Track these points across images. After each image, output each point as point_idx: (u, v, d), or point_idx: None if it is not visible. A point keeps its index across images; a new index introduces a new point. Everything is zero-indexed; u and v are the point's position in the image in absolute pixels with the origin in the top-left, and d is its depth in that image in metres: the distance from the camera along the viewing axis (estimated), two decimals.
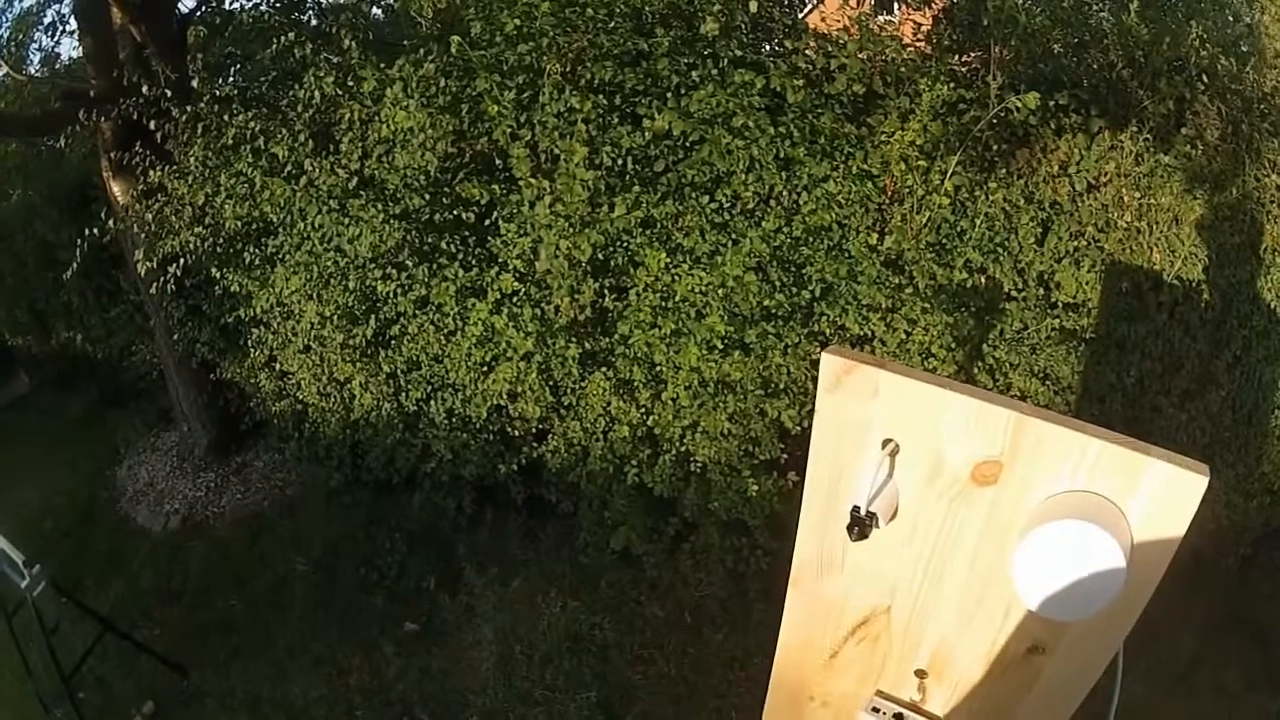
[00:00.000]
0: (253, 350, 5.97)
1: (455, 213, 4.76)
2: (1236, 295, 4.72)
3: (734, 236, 4.53)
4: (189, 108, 5.16)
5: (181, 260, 5.21)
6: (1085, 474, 1.47)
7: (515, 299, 4.76)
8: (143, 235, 5.47)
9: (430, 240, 4.84)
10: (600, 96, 4.46)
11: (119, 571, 6.16)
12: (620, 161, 4.54)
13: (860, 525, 1.57)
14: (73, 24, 6.59)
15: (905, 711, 1.89)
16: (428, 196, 4.75)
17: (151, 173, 5.25)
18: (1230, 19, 5.20)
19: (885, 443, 1.59)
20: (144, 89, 5.22)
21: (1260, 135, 4.64)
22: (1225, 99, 4.61)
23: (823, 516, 1.77)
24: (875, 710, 1.89)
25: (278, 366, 5.96)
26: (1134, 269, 4.70)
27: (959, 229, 4.63)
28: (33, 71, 7.21)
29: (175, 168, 5.27)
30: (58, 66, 7.42)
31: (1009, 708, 1.80)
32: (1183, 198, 4.55)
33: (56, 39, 7.01)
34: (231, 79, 6.58)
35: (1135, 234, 4.66)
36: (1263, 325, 4.78)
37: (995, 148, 4.63)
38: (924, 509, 1.64)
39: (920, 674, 1.85)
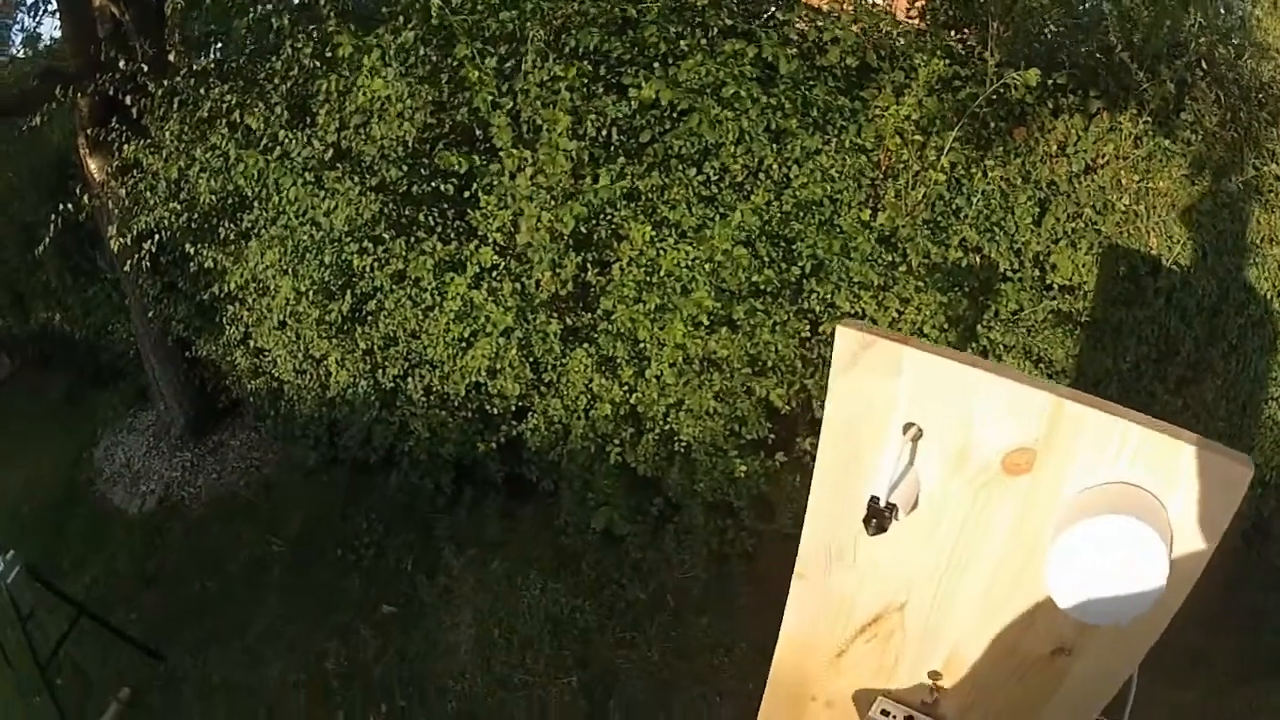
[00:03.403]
0: (228, 327, 5.81)
1: (434, 185, 4.62)
2: (1233, 284, 4.68)
3: (721, 210, 4.41)
4: (165, 82, 5.02)
5: (156, 236, 5.08)
6: (1126, 463, 1.35)
7: (495, 273, 4.63)
8: (117, 211, 5.35)
9: (408, 213, 4.70)
10: (585, 63, 4.33)
11: (96, 554, 6.05)
12: (605, 132, 4.41)
13: (879, 518, 1.43)
14: (55, 4, 6.47)
15: (916, 714, 1.76)
16: (405, 168, 4.61)
17: (126, 147, 5.12)
18: (1222, 11, 5.16)
19: (906, 427, 1.45)
20: (121, 64, 5.06)
21: (1259, 124, 4.61)
22: (1223, 86, 4.57)
23: (833, 505, 1.62)
24: (885, 713, 1.76)
25: (253, 343, 5.79)
26: (1131, 253, 4.64)
27: (954, 206, 4.54)
28: (14, 52, 7.10)
29: (150, 142, 5.13)
30: (40, 47, 7.32)
31: (1027, 713, 1.68)
32: (1181, 183, 4.50)
33: (38, 20, 6.95)
34: (211, 54, 6.46)
35: (1133, 217, 4.60)
36: (1259, 315, 4.75)
37: (992, 125, 4.54)
38: (948, 500, 1.50)
39: (934, 675, 1.73)
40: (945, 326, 4.47)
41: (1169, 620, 1.52)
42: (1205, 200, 4.55)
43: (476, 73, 4.35)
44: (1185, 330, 4.71)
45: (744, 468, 4.66)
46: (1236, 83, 4.64)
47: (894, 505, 1.44)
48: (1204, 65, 4.58)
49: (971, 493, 1.48)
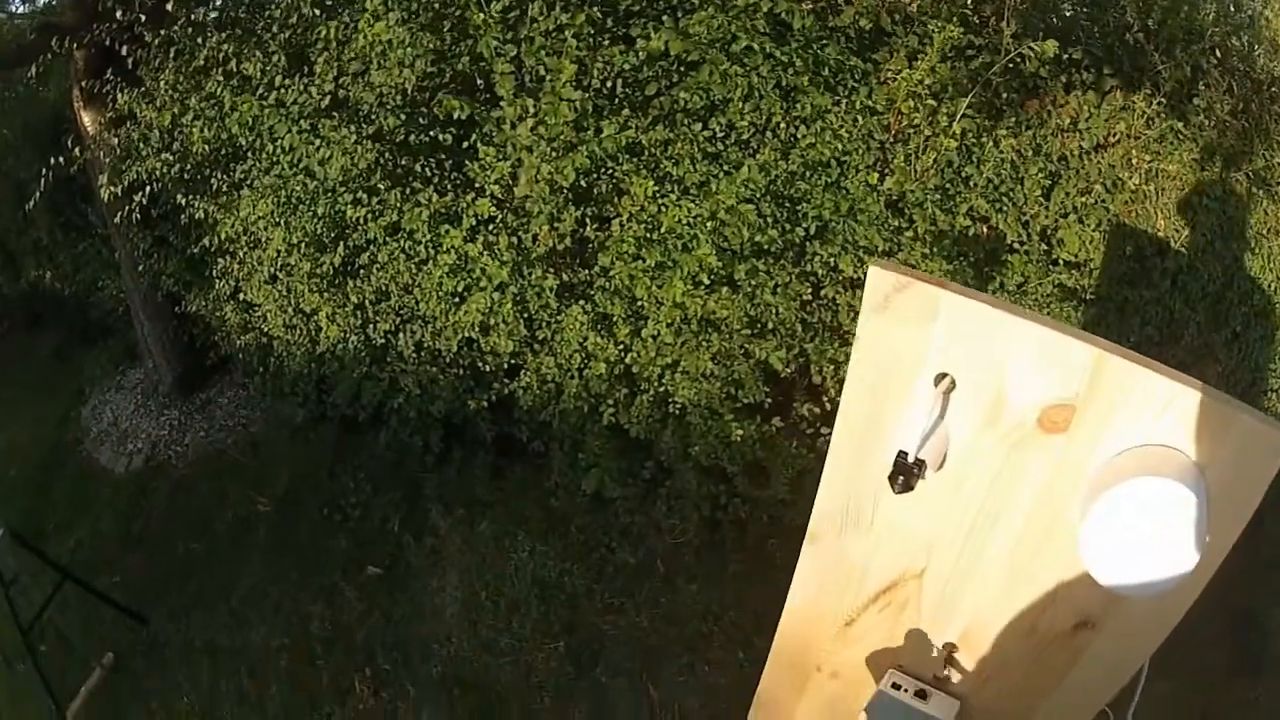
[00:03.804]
0: (218, 281, 5.71)
1: (432, 134, 4.50)
2: (1238, 272, 4.71)
3: (726, 167, 4.32)
4: (162, 32, 4.90)
5: (148, 188, 5.00)
6: (1168, 426, 1.26)
7: (491, 226, 4.51)
8: (108, 162, 5.27)
9: (404, 163, 4.59)
10: (595, 9, 4.22)
11: (81, 516, 5.96)
12: (610, 84, 4.30)
13: (906, 475, 1.33)
14: None
15: (928, 688, 1.67)
16: (403, 117, 4.49)
17: (120, 97, 5.04)
18: (1231, 9, 5.16)
19: (939, 378, 1.35)
20: (118, 14, 4.94)
21: (1270, 117, 4.68)
22: (1235, 77, 4.65)
23: (854, 461, 1.52)
24: (896, 686, 1.67)
25: (243, 298, 5.69)
26: (1139, 233, 4.64)
27: (964, 175, 4.48)
28: (14, 9, 6.98)
29: (144, 90, 5.04)
30: (39, 3, 7.17)
31: (1044, 689, 1.60)
32: (1191, 167, 4.54)
33: None
34: (210, 6, 6.38)
35: (1142, 198, 4.61)
36: (1262, 305, 4.78)
37: (1005, 95, 4.49)
38: (978, 458, 1.41)
39: (949, 648, 1.64)
40: None
41: (1196, 595, 1.44)
42: (1215, 186, 4.57)
43: (481, 14, 4.24)
44: (1190, 314, 4.72)
45: (739, 432, 4.56)
46: (1248, 75, 4.70)
47: (922, 461, 1.35)
48: (1217, 54, 4.63)
49: (1004, 451, 1.38)
